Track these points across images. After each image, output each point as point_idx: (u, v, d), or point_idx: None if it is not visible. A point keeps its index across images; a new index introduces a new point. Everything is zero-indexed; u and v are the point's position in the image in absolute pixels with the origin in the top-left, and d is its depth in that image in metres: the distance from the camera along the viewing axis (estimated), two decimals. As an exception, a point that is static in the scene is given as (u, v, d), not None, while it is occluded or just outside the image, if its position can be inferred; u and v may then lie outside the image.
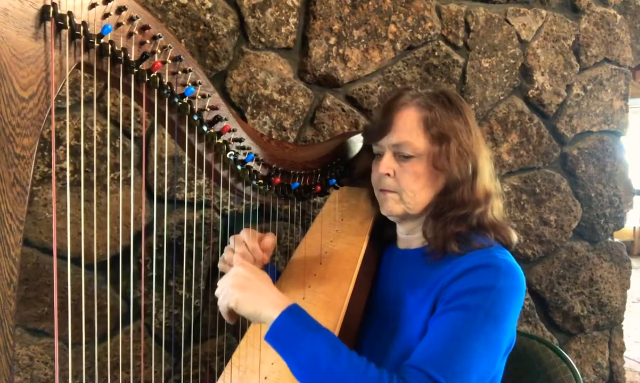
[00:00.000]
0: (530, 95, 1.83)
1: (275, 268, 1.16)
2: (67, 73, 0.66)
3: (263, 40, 1.49)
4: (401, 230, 1.04)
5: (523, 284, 0.88)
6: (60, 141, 1.34)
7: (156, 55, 0.77)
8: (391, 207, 0.97)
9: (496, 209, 0.97)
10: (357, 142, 1.16)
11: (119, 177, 1.37)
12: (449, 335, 0.81)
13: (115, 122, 1.35)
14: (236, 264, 0.86)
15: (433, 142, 0.92)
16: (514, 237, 0.96)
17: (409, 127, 0.94)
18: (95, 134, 1.34)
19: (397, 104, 0.96)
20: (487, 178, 0.96)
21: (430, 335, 0.84)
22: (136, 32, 0.73)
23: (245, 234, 1.01)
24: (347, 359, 0.77)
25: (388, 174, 0.95)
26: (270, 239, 1.02)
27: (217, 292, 0.85)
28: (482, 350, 0.80)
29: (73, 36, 0.66)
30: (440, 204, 0.94)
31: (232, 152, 0.94)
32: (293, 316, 0.79)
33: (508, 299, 0.84)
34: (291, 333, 0.77)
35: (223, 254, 1.03)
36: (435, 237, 0.93)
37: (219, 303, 0.83)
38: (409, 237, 1.02)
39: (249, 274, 0.83)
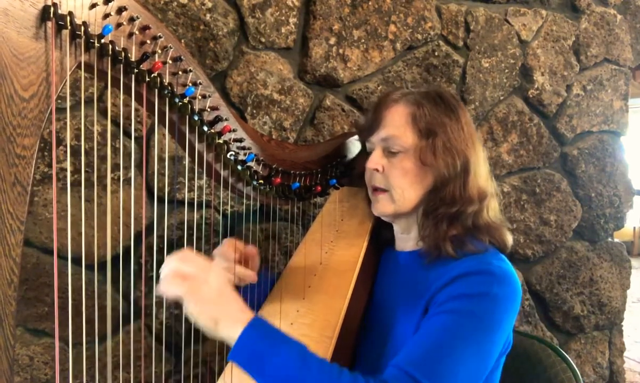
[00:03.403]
0: (530, 95, 1.83)
1: (270, 271, 1.16)
2: (68, 73, 0.66)
3: (263, 40, 1.49)
4: (396, 228, 1.04)
5: (518, 291, 0.86)
6: (60, 141, 1.34)
7: (157, 56, 0.77)
8: (382, 207, 0.97)
9: (492, 210, 0.95)
10: (357, 143, 1.16)
11: (119, 177, 1.37)
12: (437, 338, 0.80)
13: (115, 122, 1.35)
14: (210, 272, 0.76)
15: (420, 137, 0.92)
16: (509, 239, 0.95)
17: (397, 123, 0.94)
18: (95, 134, 1.34)
19: (387, 100, 0.97)
20: (483, 178, 0.95)
21: (417, 336, 0.82)
22: (137, 32, 0.73)
23: (226, 247, 1.01)
24: (318, 367, 0.74)
25: (377, 170, 0.95)
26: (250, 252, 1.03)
27: (172, 270, 0.75)
28: (470, 356, 0.79)
29: (74, 36, 0.66)
30: (431, 201, 0.93)
31: (233, 152, 0.94)
32: (257, 329, 0.74)
33: (501, 307, 0.83)
34: (257, 347, 0.73)
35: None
36: (428, 236, 0.92)
37: (174, 290, 0.74)
38: (404, 236, 1.02)
39: (224, 288, 0.76)
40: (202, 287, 0.74)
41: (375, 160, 0.95)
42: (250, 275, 0.97)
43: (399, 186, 0.94)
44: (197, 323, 0.73)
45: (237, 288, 1.08)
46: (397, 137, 0.93)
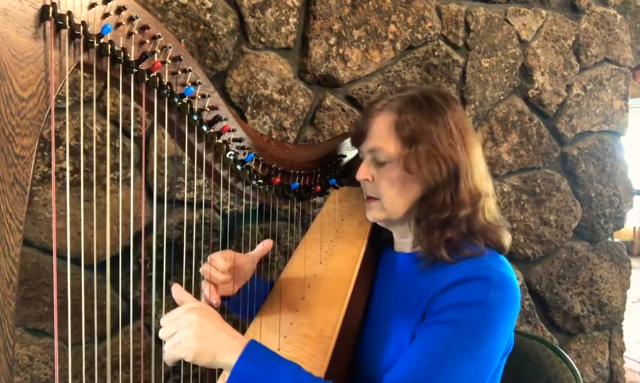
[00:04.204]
0: (530, 95, 1.83)
1: (261, 277, 1.15)
2: (67, 73, 0.66)
3: (263, 40, 1.49)
4: (394, 233, 1.04)
5: (516, 294, 0.85)
6: (60, 141, 1.34)
7: (156, 55, 0.77)
8: (374, 214, 0.97)
9: (488, 211, 0.93)
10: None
11: (118, 177, 1.36)
12: (434, 350, 0.79)
13: (115, 122, 1.35)
14: (186, 310, 0.77)
15: (403, 145, 0.91)
16: (507, 240, 0.93)
17: (380, 133, 0.93)
18: (95, 134, 1.34)
19: (372, 110, 0.96)
20: (477, 179, 0.92)
21: (414, 348, 0.82)
22: (136, 32, 0.73)
23: (218, 257, 0.99)
24: None
25: (367, 180, 0.95)
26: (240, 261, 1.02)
27: (165, 337, 0.76)
28: (467, 367, 0.78)
29: (73, 36, 0.66)
30: (422, 208, 0.92)
31: (232, 152, 0.93)
32: (251, 357, 0.75)
33: (499, 313, 0.82)
34: (252, 375, 0.74)
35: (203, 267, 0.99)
36: (421, 242, 0.92)
37: (169, 353, 0.75)
38: (402, 240, 1.02)
39: (205, 321, 0.76)
40: (185, 332, 0.74)
41: (364, 171, 0.95)
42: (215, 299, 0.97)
43: (388, 195, 0.93)
44: (197, 363, 0.75)
45: (234, 298, 1.07)
46: (382, 148, 0.92)
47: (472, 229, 0.91)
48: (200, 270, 0.98)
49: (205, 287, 0.97)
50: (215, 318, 0.78)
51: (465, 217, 0.90)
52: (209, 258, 0.98)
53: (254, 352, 0.76)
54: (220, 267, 0.97)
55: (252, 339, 0.78)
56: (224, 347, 0.75)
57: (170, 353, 0.74)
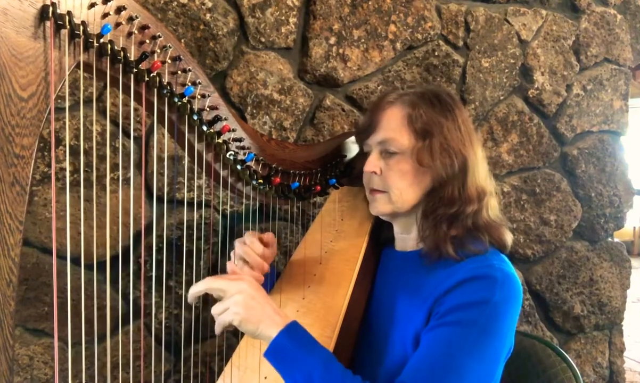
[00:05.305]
0: (530, 95, 1.83)
1: (275, 268, 1.16)
2: (67, 73, 0.66)
3: (263, 40, 1.49)
4: (396, 229, 1.04)
5: (519, 293, 0.86)
6: (60, 141, 1.34)
7: (156, 55, 0.77)
8: (380, 206, 0.97)
9: (492, 209, 0.95)
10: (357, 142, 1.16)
11: (118, 177, 1.37)
12: (442, 352, 0.80)
13: (114, 122, 1.35)
14: (240, 281, 0.83)
15: (417, 138, 0.92)
16: (509, 239, 0.95)
17: (393, 125, 0.94)
18: (94, 134, 1.34)
19: (383, 103, 0.97)
20: (482, 176, 0.94)
21: (422, 350, 0.83)
22: (136, 31, 0.73)
23: (249, 238, 1.01)
24: (341, 376, 0.78)
25: (375, 172, 0.95)
26: (270, 239, 1.03)
27: (219, 306, 0.83)
28: (476, 366, 0.79)
29: (72, 36, 0.66)
30: (430, 202, 0.93)
31: (232, 152, 0.93)
32: (291, 335, 0.80)
33: (504, 312, 0.83)
34: (288, 351, 0.79)
35: (236, 250, 1.01)
36: (428, 236, 0.92)
37: (222, 317, 0.81)
38: (404, 236, 1.02)
39: (254, 292, 0.82)
40: (235, 298, 0.81)
41: (373, 163, 0.95)
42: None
43: (397, 187, 0.94)
44: (241, 328, 0.81)
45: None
46: (394, 139, 0.93)
47: (477, 225, 0.92)
48: (234, 252, 1.01)
49: (245, 267, 1.00)
50: (263, 292, 0.84)
51: (472, 212, 0.91)
52: (245, 240, 1.00)
53: (295, 330, 0.81)
54: (259, 251, 1.00)
55: (294, 320, 0.82)
56: (268, 319, 0.80)
57: (220, 319, 0.81)
